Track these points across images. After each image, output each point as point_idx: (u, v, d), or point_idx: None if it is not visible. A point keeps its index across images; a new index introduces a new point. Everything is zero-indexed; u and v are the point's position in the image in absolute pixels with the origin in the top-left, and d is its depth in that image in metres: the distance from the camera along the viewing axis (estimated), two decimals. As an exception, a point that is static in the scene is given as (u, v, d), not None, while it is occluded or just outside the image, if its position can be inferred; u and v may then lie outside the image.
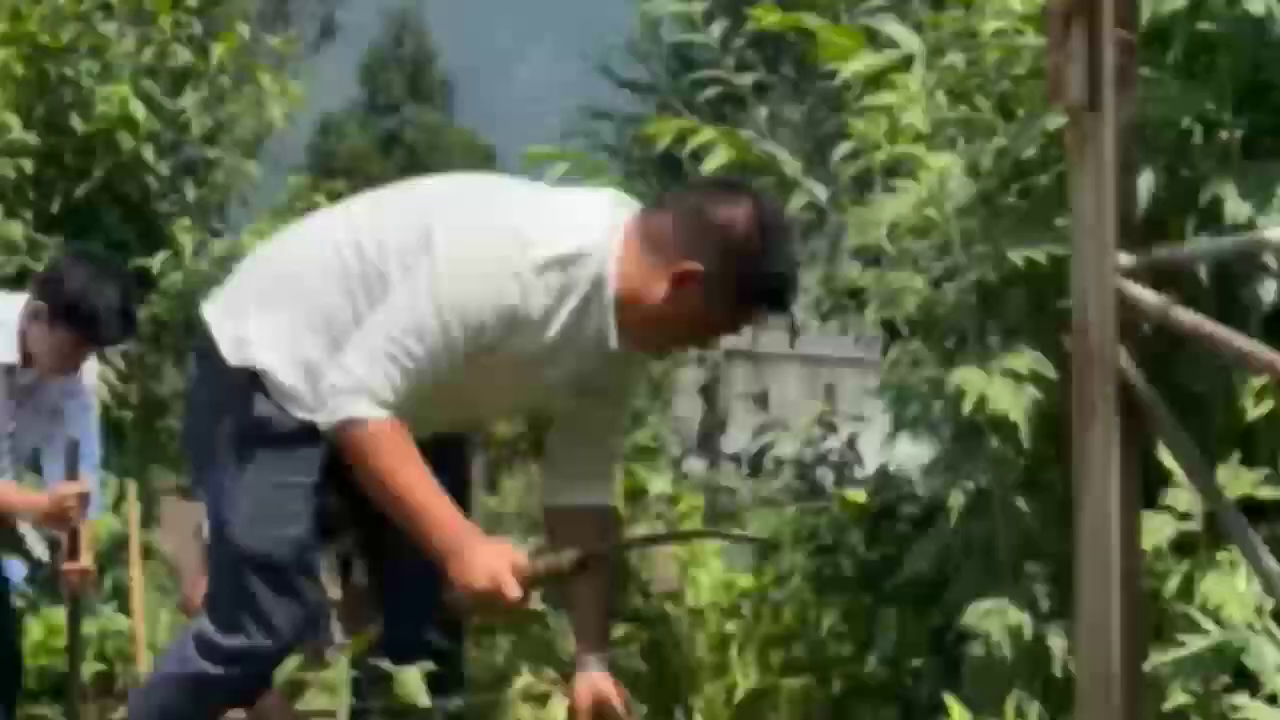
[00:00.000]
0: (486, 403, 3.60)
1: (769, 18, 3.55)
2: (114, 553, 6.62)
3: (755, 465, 4.67)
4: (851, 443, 4.17)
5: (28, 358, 4.70)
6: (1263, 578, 1.74)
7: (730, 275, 3.20)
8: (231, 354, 3.38)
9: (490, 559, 3.17)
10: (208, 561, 3.69)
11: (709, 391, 9.05)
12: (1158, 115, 3.03)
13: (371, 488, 3.26)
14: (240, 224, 7.79)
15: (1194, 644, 2.85)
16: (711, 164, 3.92)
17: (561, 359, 3.31)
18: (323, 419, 3.24)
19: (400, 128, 37.66)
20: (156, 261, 7.24)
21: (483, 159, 38.47)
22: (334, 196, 7.81)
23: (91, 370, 5.03)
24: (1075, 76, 1.39)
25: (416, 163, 36.74)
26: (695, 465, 8.86)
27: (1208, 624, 2.89)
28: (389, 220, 3.35)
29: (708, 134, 3.80)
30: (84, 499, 4.75)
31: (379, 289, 3.27)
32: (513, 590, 3.15)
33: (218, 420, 3.46)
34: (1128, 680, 1.43)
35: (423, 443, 3.28)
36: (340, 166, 36.78)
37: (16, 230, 6.99)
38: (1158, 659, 2.86)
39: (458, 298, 3.15)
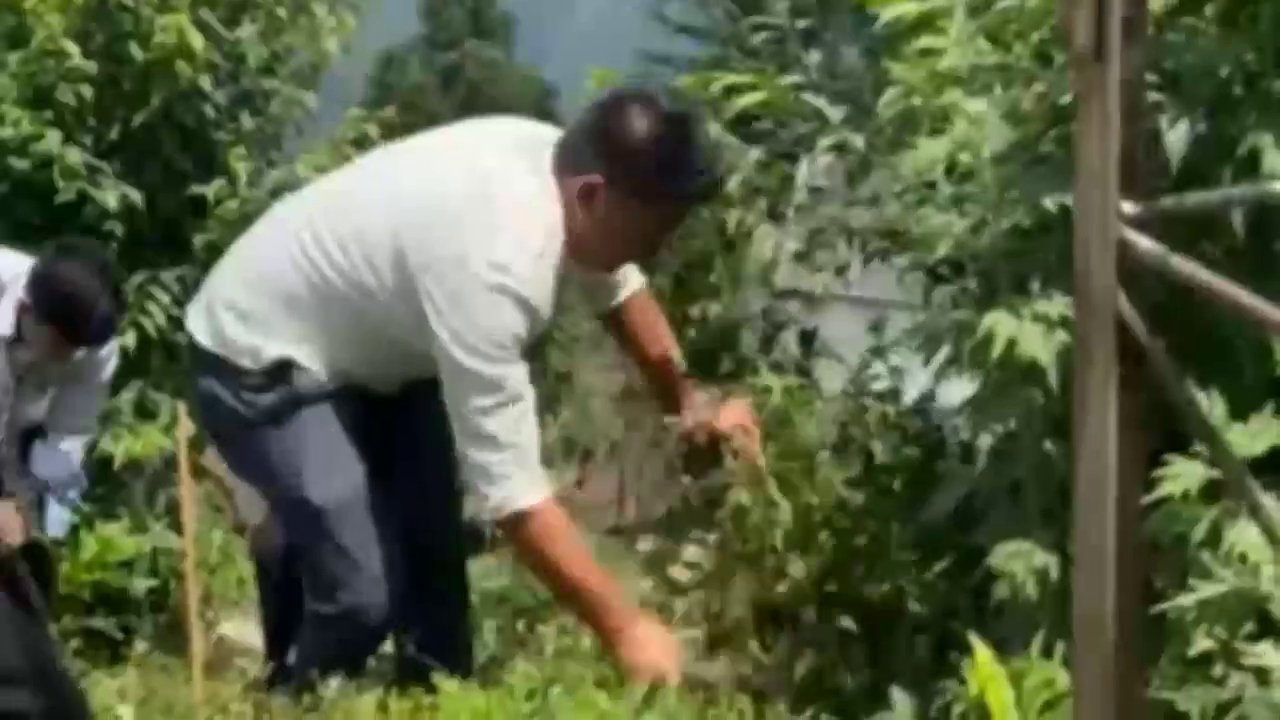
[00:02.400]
0: None
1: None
2: (165, 472, 6.71)
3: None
4: (896, 376, 4.17)
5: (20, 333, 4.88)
6: (1273, 541, 1.76)
7: (628, 175, 3.38)
8: (252, 360, 3.51)
9: (656, 654, 3.37)
10: (291, 542, 3.77)
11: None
12: (1197, 65, 3.03)
13: (540, 571, 3.54)
14: (296, 155, 7.86)
15: (1212, 588, 2.87)
16: (741, 103, 3.97)
17: (564, 297, 3.58)
18: (488, 515, 3.48)
19: (461, 63, 37.62)
20: (212, 189, 7.33)
21: (541, 96, 38.49)
22: (389, 129, 7.86)
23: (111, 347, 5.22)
24: (1081, 24, 1.41)
25: (476, 98, 36.75)
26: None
27: (1230, 571, 2.90)
28: (351, 226, 3.52)
29: (736, 78, 3.83)
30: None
31: (340, 281, 3.48)
32: (673, 679, 3.34)
33: (249, 408, 3.58)
34: (1122, 625, 1.46)
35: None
36: (400, 101, 36.79)
37: (75, 156, 7.07)
38: (1181, 601, 2.89)
39: (492, 344, 3.33)
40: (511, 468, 3.36)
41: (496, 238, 3.33)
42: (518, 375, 3.36)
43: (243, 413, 3.62)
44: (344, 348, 3.56)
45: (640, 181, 3.37)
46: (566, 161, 3.42)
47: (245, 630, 5.99)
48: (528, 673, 3.45)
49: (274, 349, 3.56)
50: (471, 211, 3.38)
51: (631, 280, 3.88)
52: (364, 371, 3.61)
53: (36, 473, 5.17)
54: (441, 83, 36.93)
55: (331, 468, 3.59)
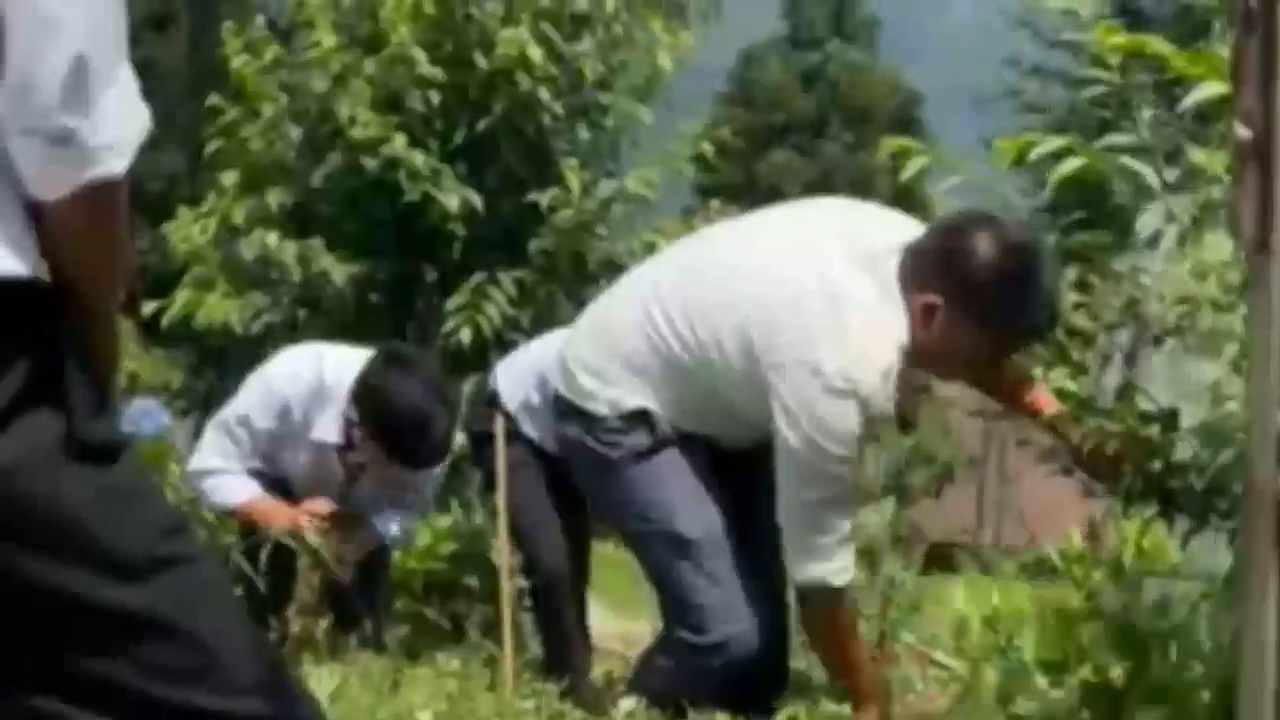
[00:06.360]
0: None
1: (1112, 39, 3.45)
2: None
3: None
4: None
5: (350, 442, 4.49)
6: None
7: (968, 300, 3.43)
8: (609, 409, 3.76)
9: None
10: (654, 579, 3.87)
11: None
12: None
13: (823, 641, 3.75)
14: (630, 166, 8.02)
15: None
16: (1061, 171, 3.88)
17: None
18: (798, 581, 3.64)
19: (822, 63, 37.29)
20: (547, 197, 7.53)
21: (905, 101, 37.95)
22: (721, 149, 7.95)
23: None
24: (1247, 215, 1.37)
25: (836, 100, 36.51)
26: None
27: None
28: (697, 305, 3.66)
29: (1054, 144, 3.73)
30: (332, 519, 4.56)
31: (687, 356, 3.65)
32: None
33: (611, 448, 3.80)
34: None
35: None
36: (760, 99, 36.74)
37: (420, 159, 7.35)
38: None
39: (836, 446, 3.46)
40: (833, 548, 3.56)
41: (848, 352, 3.44)
42: (849, 472, 3.53)
43: (604, 453, 3.79)
44: (693, 411, 3.73)
45: (979, 308, 3.44)
46: (910, 276, 3.50)
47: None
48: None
49: (630, 400, 3.74)
50: (823, 322, 3.48)
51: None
52: (713, 430, 3.77)
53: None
54: (802, 83, 36.76)
55: (698, 502, 3.74)
